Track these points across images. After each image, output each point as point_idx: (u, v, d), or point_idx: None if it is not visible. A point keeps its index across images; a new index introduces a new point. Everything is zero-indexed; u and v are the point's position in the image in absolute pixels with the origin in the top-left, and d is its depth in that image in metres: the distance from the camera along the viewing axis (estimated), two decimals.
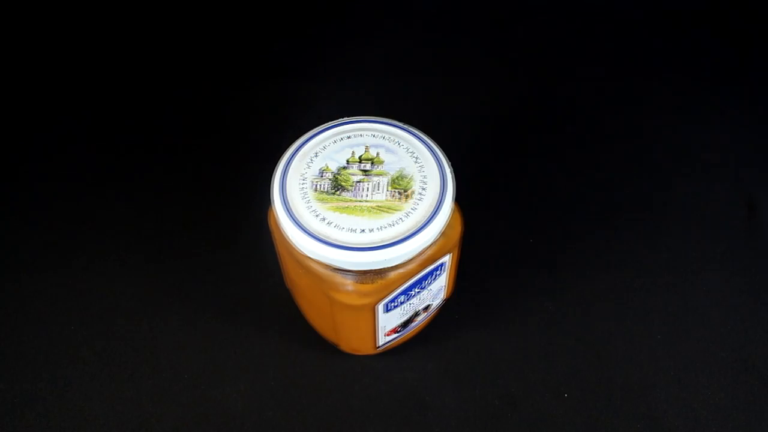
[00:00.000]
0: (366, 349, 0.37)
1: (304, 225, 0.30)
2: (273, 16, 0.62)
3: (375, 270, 0.30)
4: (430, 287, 0.34)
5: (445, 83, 0.56)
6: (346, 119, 0.34)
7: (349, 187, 0.31)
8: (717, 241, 0.44)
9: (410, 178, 0.31)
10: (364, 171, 0.32)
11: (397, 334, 0.36)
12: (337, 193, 0.31)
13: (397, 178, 0.31)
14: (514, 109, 0.54)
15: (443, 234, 0.31)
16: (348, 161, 0.32)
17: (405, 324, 0.36)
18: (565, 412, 0.37)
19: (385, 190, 0.31)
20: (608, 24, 0.61)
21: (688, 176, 0.48)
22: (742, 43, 0.59)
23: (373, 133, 0.33)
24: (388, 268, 0.30)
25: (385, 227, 0.29)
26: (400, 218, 0.30)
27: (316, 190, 0.31)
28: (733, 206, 0.46)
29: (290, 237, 0.30)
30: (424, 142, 0.33)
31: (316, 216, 0.30)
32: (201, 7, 0.62)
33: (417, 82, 0.56)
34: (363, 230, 0.29)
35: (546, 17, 0.62)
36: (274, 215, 0.31)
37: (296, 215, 0.30)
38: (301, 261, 0.31)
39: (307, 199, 0.31)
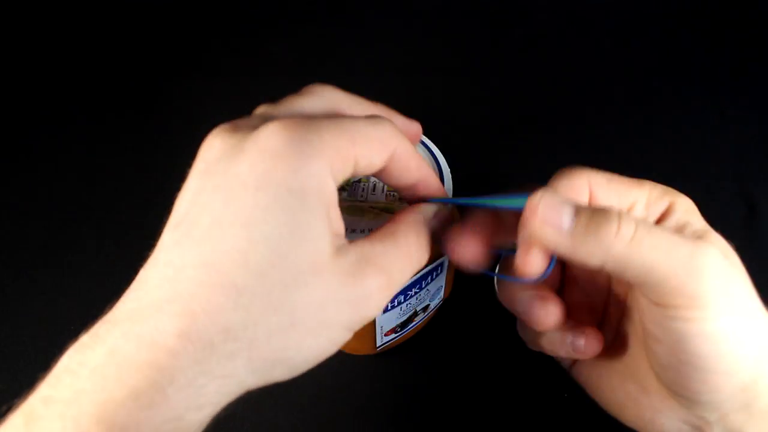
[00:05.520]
0: (365, 350, 0.37)
1: None
2: (274, 16, 0.62)
3: None
4: (429, 287, 0.34)
5: (444, 83, 0.56)
6: None
7: (347, 187, 0.31)
8: None
9: None
10: None
11: (396, 335, 0.36)
12: None
13: None
14: (513, 108, 0.54)
15: None
16: None
17: (404, 324, 0.36)
18: (565, 412, 0.37)
19: (383, 191, 0.31)
20: (607, 24, 0.61)
21: (688, 176, 0.48)
22: (741, 43, 0.59)
23: None
24: None
25: None
26: None
27: None
28: (733, 206, 0.46)
29: None
30: (424, 144, 0.33)
31: None
32: (202, 7, 0.62)
33: (417, 82, 0.56)
34: (363, 231, 0.29)
35: (546, 17, 0.62)
36: None
37: None
38: None
39: None
